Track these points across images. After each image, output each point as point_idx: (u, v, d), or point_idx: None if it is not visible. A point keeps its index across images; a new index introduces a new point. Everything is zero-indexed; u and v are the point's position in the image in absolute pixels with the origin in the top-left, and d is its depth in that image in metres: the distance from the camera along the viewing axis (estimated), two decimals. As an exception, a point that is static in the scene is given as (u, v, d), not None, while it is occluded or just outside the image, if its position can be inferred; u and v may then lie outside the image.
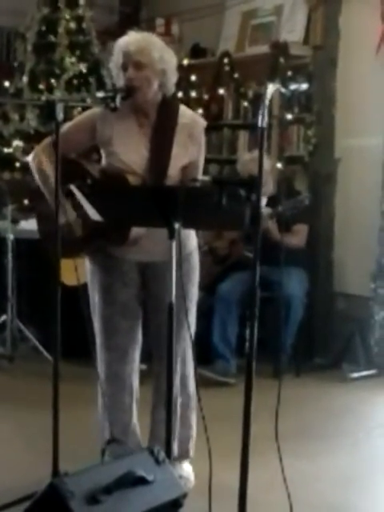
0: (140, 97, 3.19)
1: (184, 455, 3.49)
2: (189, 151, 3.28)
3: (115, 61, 3.25)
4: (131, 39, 3.21)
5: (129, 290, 3.38)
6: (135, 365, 3.48)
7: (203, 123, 3.38)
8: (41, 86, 6.22)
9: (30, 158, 3.41)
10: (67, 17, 6.24)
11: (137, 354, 3.48)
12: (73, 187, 2.86)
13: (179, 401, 3.42)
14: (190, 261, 3.37)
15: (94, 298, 3.42)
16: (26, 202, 5.20)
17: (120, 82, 3.22)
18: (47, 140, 3.43)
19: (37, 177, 3.36)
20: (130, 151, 3.25)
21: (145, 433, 3.52)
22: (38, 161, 3.36)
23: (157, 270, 3.29)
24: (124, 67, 3.19)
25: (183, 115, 3.31)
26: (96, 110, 3.34)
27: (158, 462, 2.67)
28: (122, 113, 3.20)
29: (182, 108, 3.35)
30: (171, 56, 3.27)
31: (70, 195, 3.16)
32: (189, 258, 3.34)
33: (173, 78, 3.27)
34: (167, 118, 3.27)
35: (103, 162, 3.36)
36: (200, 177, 3.34)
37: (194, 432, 3.48)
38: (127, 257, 3.33)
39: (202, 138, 3.34)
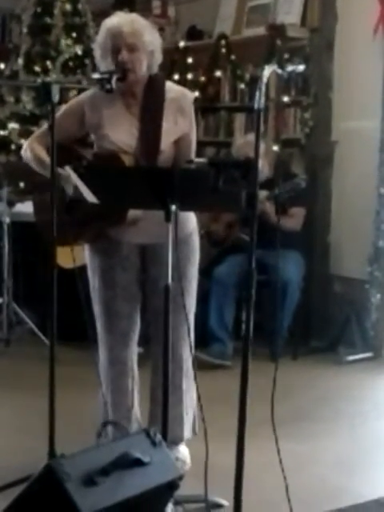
0: (132, 78, 3.18)
1: (192, 433, 3.52)
2: (179, 125, 3.28)
3: (102, 42, 3.22)
4: (122, 21, 3.20)
5: (129, 274, 3.37)
6: (134, 347, 3.49)
7: (191, 96, 3.38)
8: (36, 68, 6.19)
9: (22, 151, 3.42)
10: (63, -2, 6.22)
11: (136, 337, 3.49)
12: (68, 168, 2.85)
13: (184, 383, 3.43)
14: (189, 242, 3.37)
15: (94, 281, 3.42)
16: (21, 184, 5.18)
17: (107, 63, 3.20)
18: (37, 132, 3.48)
19: (33, 164, 3.36)
20: (119, 132, 3.25)
21: (143, 415, 3.52)
22: (31, 149, 3.36)
23: (156, 253, 3.28)
24: (116, 49, 3.17)
25: (170, 90, 3.31)
26: (83, 96, 3.36)
27: (154, 443, 2.66)
28: (109, 96, 3.20)
29: (169, 84, 3.35)
30: (158, 37, 3.28)
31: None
32: (188, 240, 3.35)
33: (159, 58, 3.29)
34: (154, 96, 3.27)
35: (95, 146, 3.36)
36: (194, 157, 3.32)
37: (196, 409, 3.49)
38: (126, 240, 3.33)
39: (191, 110, 3.33)
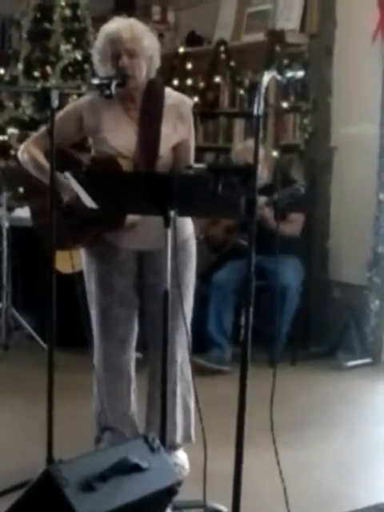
0: (132, 84, 3.19)
1: (187, 440, 3.51)
2: (178, 131, 3.29)
3: (101, 48, 3.22)
4: (121, 26, 3.20)
5: (126, 280, 3.38)
6: (132, 353, 3.49)
7: (190, 102, 3.39)
8: (36, 74, 6.19)
9: (19, 154, 3.40)
10: (62, 4, 6.21)
11: (133, 343, 3.48)
12: (68, 174, 2.86)
13: (179, 388, 3.43)
14: (186, 248, 3.37)
15: (91, 287, 3.41)
16: (21, 189, 5.18)
17: (106, 68, 3.20)
18: (35, 135, 3.48)
19: (30, 167, 3.34)
20: (118, 136, 3.25)
21: (140, 421, 3.52)
22: (28, 152, 3.35)
23: (153, 259, 3.28)
24: (115, 55, 3.17)
25: (169, 96, 3.32)
26: (82, 100, 3.36)
27: (152, 449, 2.66)
28: (108, 100, 3.20)
29: (168, 90, 3.36)
30: (156, 42, 3.29)
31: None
32: (185, 245, 3.35)
33: (157, 63, 3.29)
34: (153, 101, 3.28)
35: (92, 150, 3.36)
36: (193, 162, 3.33)
37: (193, 417, 3.50)
38: (124, 245, 3.33)
39: (190, 116, 3.34)
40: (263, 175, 5.02)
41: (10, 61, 6.44)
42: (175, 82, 6.40)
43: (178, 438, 3.45)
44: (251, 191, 2.49)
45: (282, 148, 5.75)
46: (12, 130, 6.25)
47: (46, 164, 3.19)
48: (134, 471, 2.55)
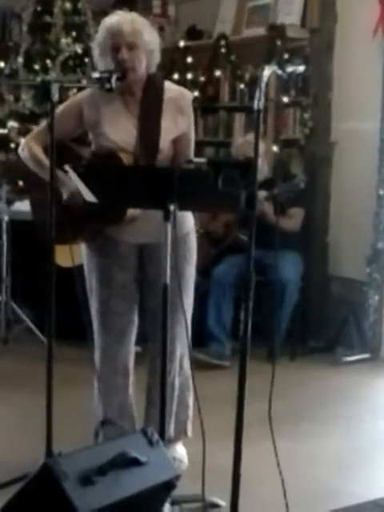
0: (132, 77, 3.19)
1: (182, 434, 3.51)
2: (178, 124, 3.29)
3: (102, 41, 3.23)
4: (122, 20, 3.21)
5: (126, 273, 3.38)
6: (131, 347, 3.49)
7: (190, 95, 3.40)
8: (36, 67, 6.19)
9: (19, 150, 3.41)
10: (63, -3, 6.21)
11: (133, 336, 3.48)
12: (68, 168, 2.85)
13: (177, 382, 3.43)
14: (187, 242, 3.38)
15: (91, 280, 3.42)
16: (20, 183, 5.18)
17: (106, 62, 3.21)
18: (35, 130, 3.48)
19: (31, 164, 3.35)
20: (118, 130, 3.26)
21: (140, 414, 3.52)
22: (28, 148, 3.35)
23: (153, 253, 3.28)
24: (115, 48, 3.18)
25: (169, 90, 3.32)
26: (82, 94, 3.37)
27: (151, 443, 2.67)
28: (108, 94, 3.20)
29: (167, 83, 3.37)
30: (157, 36, 3.30)
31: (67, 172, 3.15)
32: (185, 239, 3.35)
33: (157, 58, 3.30)
34: (153, 95, 3.28)
35: (93, 144, 3.36)
36: (193, 156, 3.32)
37: (191, 412, 3.50)
38: (124, 239, 3.33)
39: (190, 109, 3.35)
40: (263, 170, 5.02)
41: (11, 54, 6.44)
42: (175, 76, 6.39)
43: (171, 431, 3.45)
44: (251, 186, 2.49)
45: (282, 143, 5.75)
46: (12, 124, 6.24)
47: (46, 160, 3.19)
48: (133, 465, 2.56)
